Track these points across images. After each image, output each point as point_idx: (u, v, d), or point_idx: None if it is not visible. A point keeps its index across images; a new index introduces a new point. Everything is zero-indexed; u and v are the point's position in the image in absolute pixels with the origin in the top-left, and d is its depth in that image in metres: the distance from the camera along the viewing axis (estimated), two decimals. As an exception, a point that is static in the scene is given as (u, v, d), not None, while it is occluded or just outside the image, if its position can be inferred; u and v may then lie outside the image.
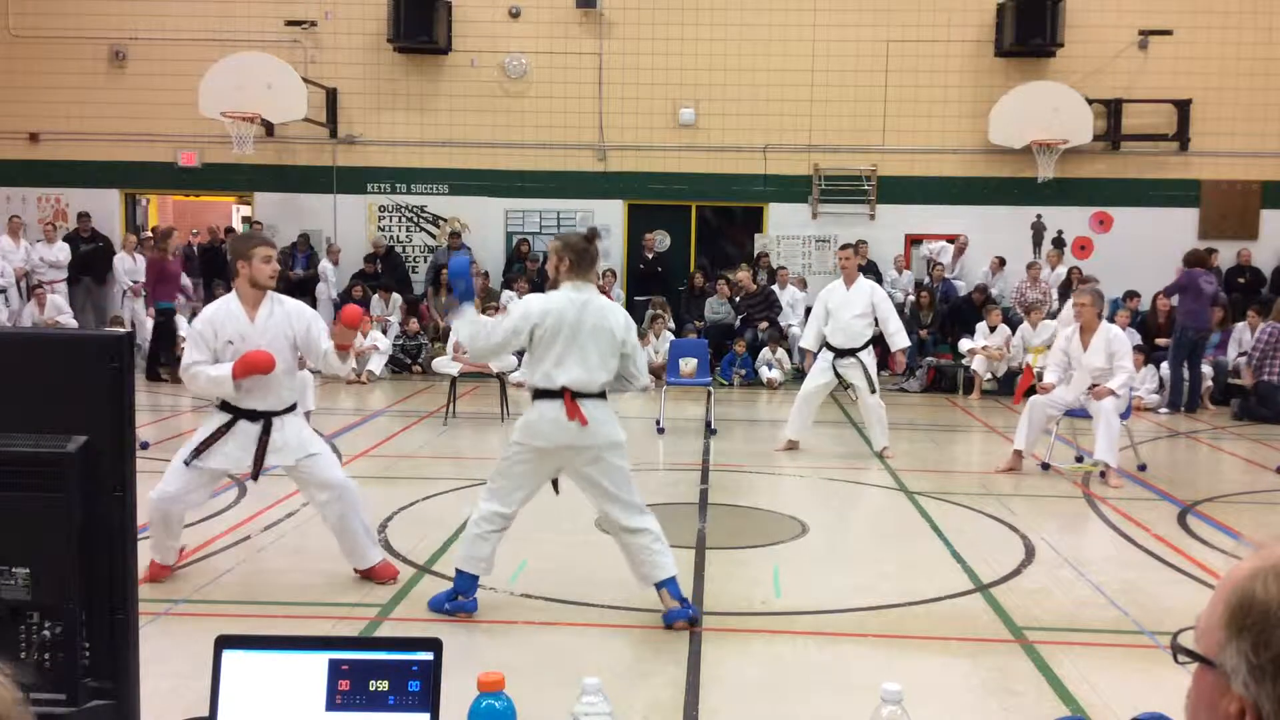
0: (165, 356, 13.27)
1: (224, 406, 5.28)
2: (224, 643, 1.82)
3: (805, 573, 5.88)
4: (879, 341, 9.58)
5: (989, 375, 13.72)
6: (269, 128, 15.52)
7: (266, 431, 5.26)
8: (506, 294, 14.93)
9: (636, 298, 15.74)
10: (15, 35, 16.10)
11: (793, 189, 16.14)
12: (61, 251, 15.15)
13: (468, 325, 4.84)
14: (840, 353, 9.17)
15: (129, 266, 15.24)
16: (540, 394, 4.80)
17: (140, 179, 16.55)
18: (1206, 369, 12.92)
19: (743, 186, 16.22)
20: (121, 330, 2.20)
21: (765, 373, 14.03)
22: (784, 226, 16.26)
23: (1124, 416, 8.60)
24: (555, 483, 5.05)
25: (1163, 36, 15.47)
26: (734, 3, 15.91)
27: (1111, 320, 9.25)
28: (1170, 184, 15.83)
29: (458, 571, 4.95)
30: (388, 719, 1.78)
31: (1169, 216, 15.74)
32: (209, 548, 5.97)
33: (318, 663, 1.80)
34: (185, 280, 14.48)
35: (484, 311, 11.96)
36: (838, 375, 9.22)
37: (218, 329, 5.23)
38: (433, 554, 5.92)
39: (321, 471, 5.33)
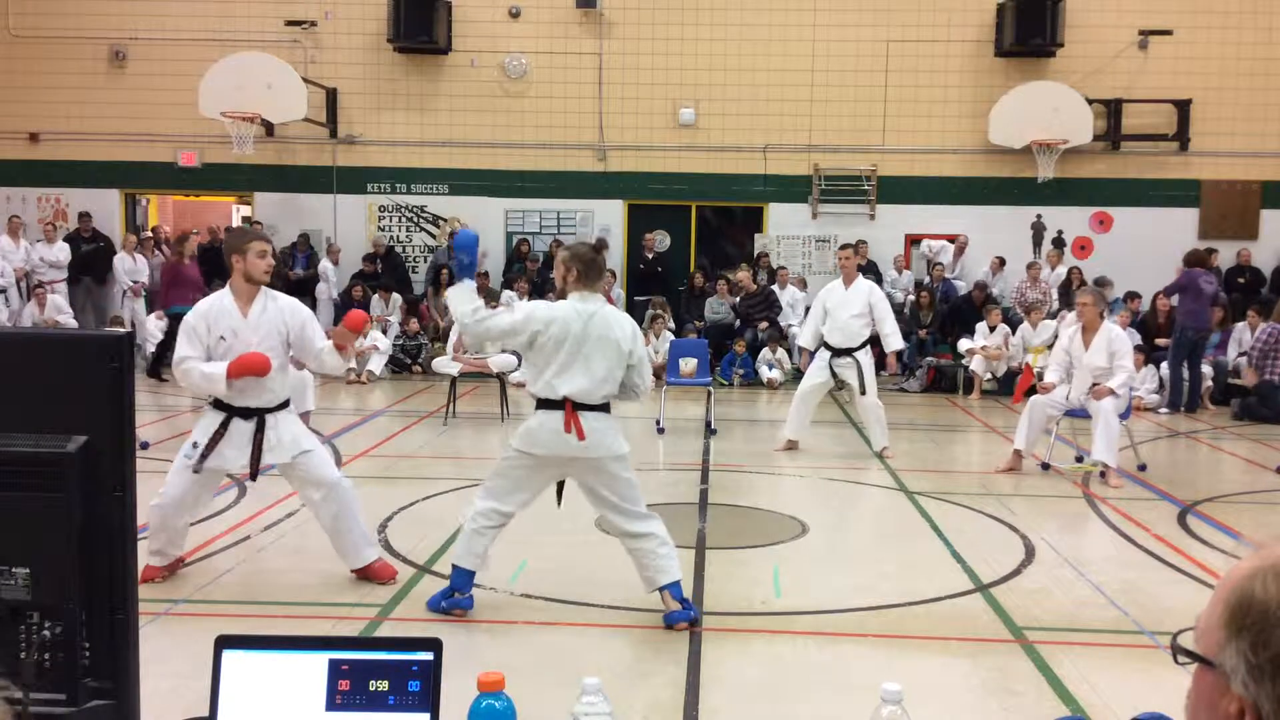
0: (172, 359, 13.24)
1: (218, 404, 5.28)
2: (224, 643, 1.82)
3: (805, 573, 5.88)
4: (877, 342, 9.58)
5: (989, 375, 13.72)
6: (269, 128, 15.52)
7: (260, 430, 5.26)
8: (507, 294, 14.93)
9: (636, 298, 15.74)
10: (15, 35, 16.10)
11: (793, 189, 16.14)
12: (61, 251, 15.15)
13: (466, 301, 4.78)
14: (837, 352, 9.18)
15: (129, 266, 15.25)
16: (542, 403, 4.79)
17: (140, 179, 16.55)
18: (1206, 369, 12.92)
19: (743, 186, 16.22)
20: (121, 330, 2.20)
21: (765, 373, 14.03)
22: (784, 226, 16.26)
23: (1124, 417, 8.60)
24: (560, 493, 5.04)
25: (1163, 36, 15.47)
26: (734, 3, 15.91)
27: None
28: (1170, 184, 15.83)
29: (454, 568, 4.95)
30: (388, 719, 1.79)
31: (1169, 216, 15.74)
32: (209, 548, 5.97)
33: (318, 663, 1.80)
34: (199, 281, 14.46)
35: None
36: (834, 375, 9.23)
37: (211, 324, 5.22)
38: (432, 554, 5.91)
39: (315, 469, 5.33)
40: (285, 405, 5.40)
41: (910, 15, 15.75)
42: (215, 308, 5.28)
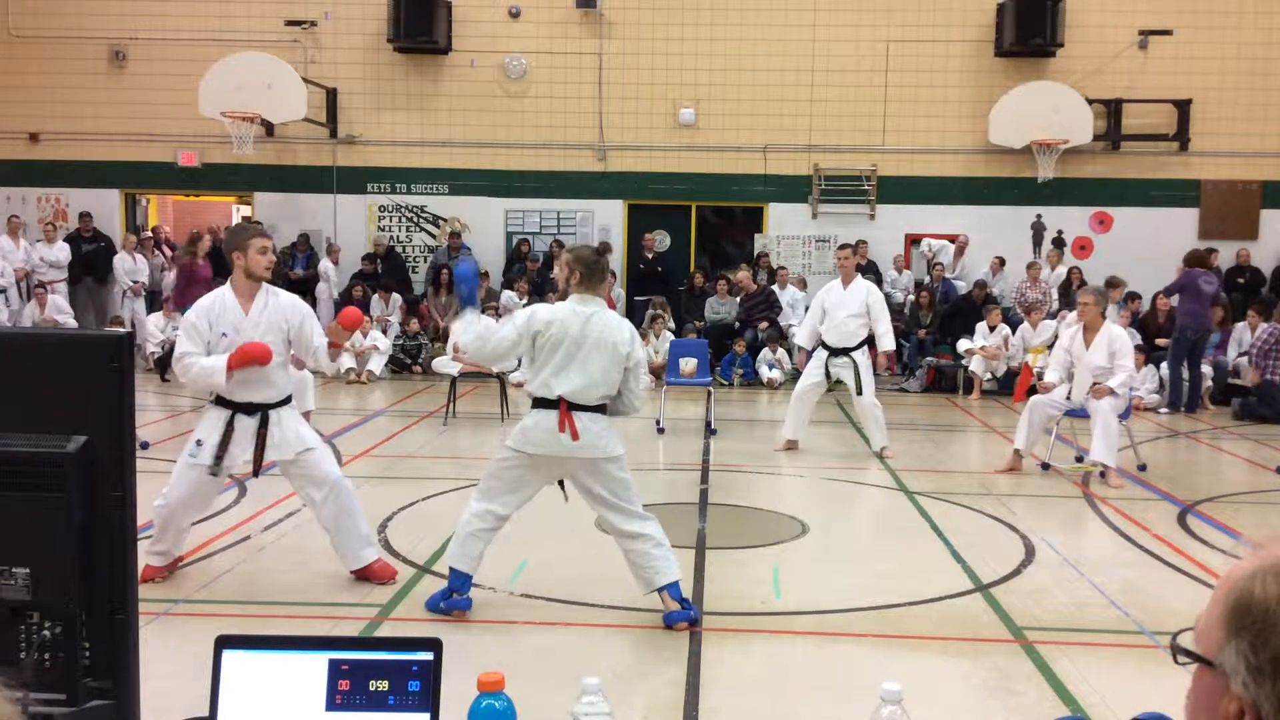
0: None
1: (220, 401, 5.28)
2: (224, 643, 1.82)
3: (805, 573, 5.88)
4: (875, 343, 9.59)
5: (989, 375, 13.72)
6: (269, 128, 15.52)
7: (264, 426, 5.26)
8: (507, 294, 14.94)
9: (636, 298, 15.74)
10: (15, 35, 16.10)
11: (793, 189, 16.15)
12: (61, 251, 15.15)
13: (474, 332, 4.85)
14: (834, 352, 9.20)
15: (129, 266, 15.26)
16: (538, 402, 4.81)
17: (140, 179, 16.55)
18: (1206, 369, 12.92)
19: (743, 186, 16.22)
20: (121, 330, 2.20)
21: (765, 373, 14.03)
22: (784, 226, 16.27)
23: (1124, 417, 8.60)
24: (563, 488, 5.05)
25: (1163, 36, 15.47)
26: (734, 3, 15.91)
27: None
28: (1170, 184, 15.83)
29: (451, 570, 4.96)
30: (388, 719, 1.79)
31: (1169, 216, 15.74)
32: (209, 548, 5.97)
33: (318, 663, 1.80)
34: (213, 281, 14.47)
35: (483, 311, 11.99)
36: (827, 375, 9.24)
37: (212, 321, 5.22)
38: (432, 554, 5.91)
39: (317, 467, 5.33)
40: (288, 401, 5.41)
41: (910, 15, 15.75)
42: (217, 304, 5.28)
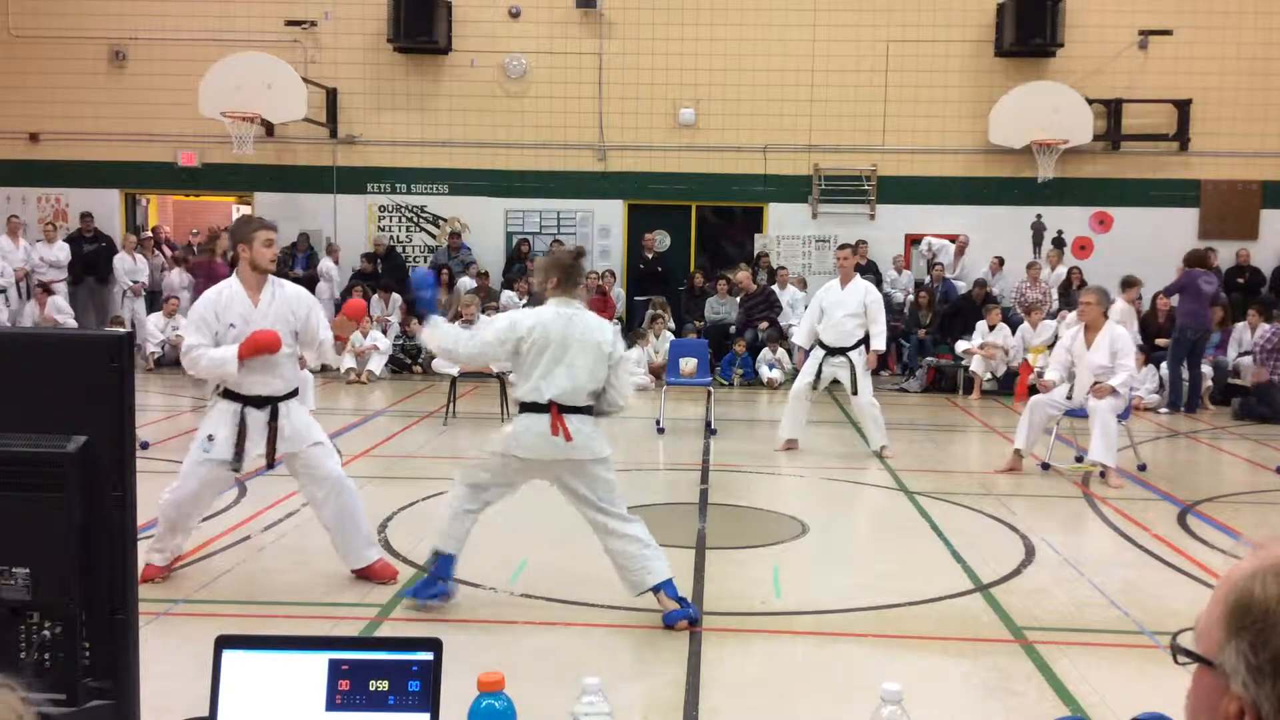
0: None
1: (229, 395, 5.28)
2: (224, 643, 1.82)
3: (805, 573, 5.88)
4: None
5: (989, 375, 13.72)
6: (269, 128, 15.52)
7: (274, 419, 5.27)
8: (507, 294, 14.94)
9: (636, 298, 15.74)
10: (15, 35, 16.10)
11: (793, 189, 16.15)
12: (61, 251, 15.16)
13: (439, 337, 4.92)
14: (831, 350, 9.20)
15: (129, 266, 15.26)
16: (527, 407, 4.81)
17: (140, 179, 16.55)
18: (1206, 369, 12.92)
19: (743, 186, 16.22)
20: (121, 330, 2.20)
21: (765, 373, 14.03)
22: (784, 226, 16.27)
23: (1123, 417, 8.59)
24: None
25: (1163, 36, 15.47)
26: (734, 3, 15.91)
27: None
28: (1170, 184, 15.83)
29: (437, 554, 4.98)
30: (388, 719, 1.79)
31: (1169, 216, 15.74)
32: (209, 548, 5.97)
33: (318, 663, 1.80)
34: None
35: (484, 311, 11.99)
36: (818, 375, 9.23)
37: (220, 312, 5.23)
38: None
39: (321, 465, 5.34)
40: (295, 394, 5.41)
41: (910, 15, 15.75)
42: (224, 296, 5.29)
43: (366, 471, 8.03)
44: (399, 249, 16.28)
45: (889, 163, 16.04)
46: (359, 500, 5.43)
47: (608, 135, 16.17)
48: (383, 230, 16.35)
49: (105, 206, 16.23)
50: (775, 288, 15.13)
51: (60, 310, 14.51)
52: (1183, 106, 15.63)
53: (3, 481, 1.76)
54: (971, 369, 13.59)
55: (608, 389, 4.90)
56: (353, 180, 16.30)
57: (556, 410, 4.74)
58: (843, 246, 10.00)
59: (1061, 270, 15.30)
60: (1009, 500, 7.59)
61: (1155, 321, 13.86)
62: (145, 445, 8.34)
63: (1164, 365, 12.82)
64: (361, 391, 13.05)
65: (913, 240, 16.15)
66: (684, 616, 4.83)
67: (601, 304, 14.79)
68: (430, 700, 1.79)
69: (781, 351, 14.17)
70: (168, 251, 16.24)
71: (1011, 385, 13.24)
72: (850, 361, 9.14)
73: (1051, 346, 10.41)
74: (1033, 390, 9.08)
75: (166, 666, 3.79)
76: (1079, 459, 8.76)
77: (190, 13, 15.93)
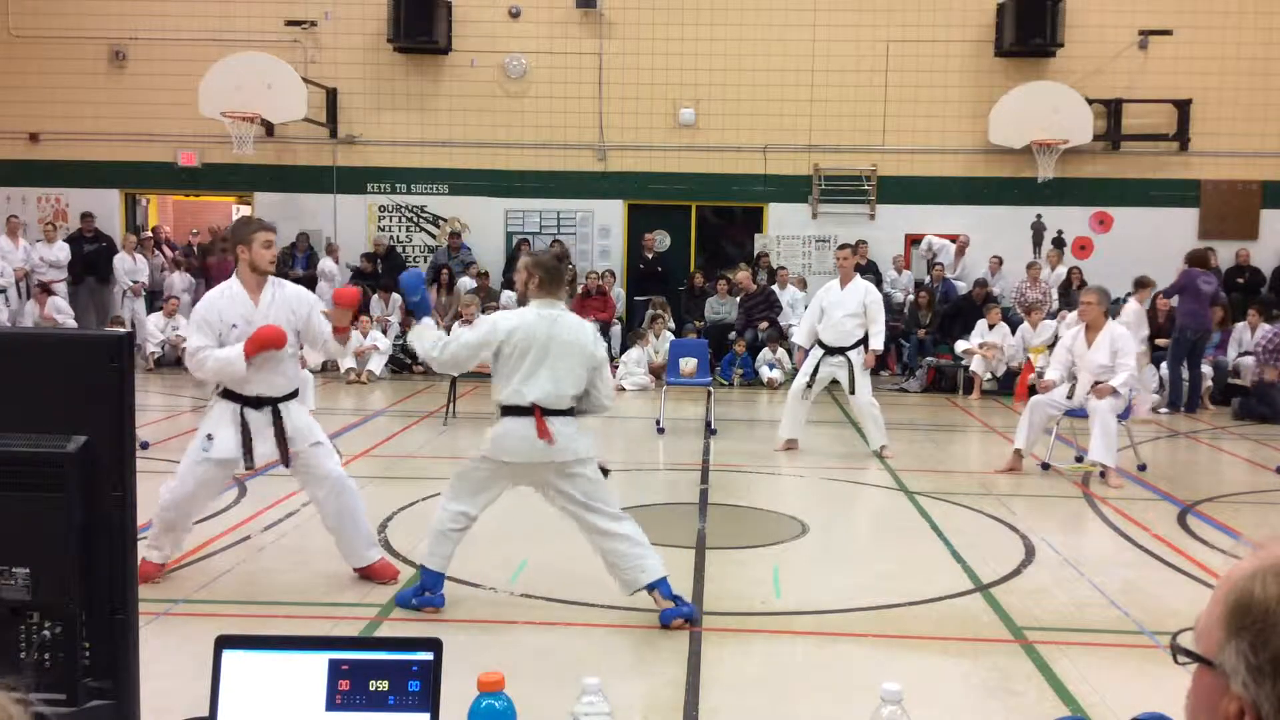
0: None
1: (228, 395, 5.27)
2: (224, 643, 1.82)
3: (805, 573, 5.88)
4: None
5: (989, 375, 13.72)
6: (269, 128, 15.52)
7: (276, 419, 5.27)
8: (507, 294, 14.93)
9: (636, 298, 15.74)
10: (15, 35, 16.10)
11: (793, 189, 16.14)
12: (61, 251, 15.16)
13: (426, 340, 4.90)
14: (830, 350, 9.21)
15: (129, 266, 15.26)
16: (509, 410, 4.79)
17: (140, 179, 16.55)
18: (1206, 369, 12.92)
19: (743, 186, 16.22)
20: (121, 330, 2.20)
21: (765, 373, 14.03)
22: (784, 226, 16.26)
23: (1123, 417, 8.59)
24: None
25: (1163, 36, 15.47)
26: (734, 3, 15.90)
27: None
28: (1170, 184, 15.83)
29: (424, 569, 5.00)
30: (388, 719, 1.79)
31: (1169, 216, 15.74)
32: (209, 548, 5.97)
33: (318, 663, 1.80)
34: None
35: (484, 311, 12.00)
36: (814, 375, 9.23)
37: (222, 313, 5.23)
38: (433, 554, 5.90)
39: (321, 464, 5.34)
40: (295, 394, 5.42)
41: (910, 15, 15.75)
42: (225, 297, 5.30)
43: (366, 471, 8.03)
44: (399, 249, 16.28)
45: (889, 163, 16.04)
46: (360, 500, 5.43)
47: (608, 135, 16.17)
48: (383, 230, 16.35)
49: (105, 206, 16.23)
50: (775, 288, 15.12)
51: (60, 310, 14.51)
52: (1183, 106, 15.63)
53: (3, 481, 1.76)
54: (971, 369, 13.59)
55: (591, 390, 4.90)
56: (353, 180, 16.30)
57: (539, 413, 4.73)
58: (843, 246, 10.01)
59: (1061, 270, 15.30)
60: (1009, 500, 7.59)
61: (1155, 321, 13.86)
62: (145, 445, 8.34)
63: (1164, 365, 12.82)
64: (361, 391, 13.05)
65: (913, 240, 16.14)
66: (680, 615, 4.82)
67: (602, 304, 14.81)
68: (430, 700, 1.79)
69: (781, 351, 14.17)
70: (168, 252, 16.24)
71: (1011, 385, 13.24)
72: (848, 361, 9.15)
73: (1051, 346, 10.41)
74: (1033, 390, 9.07)
75: (166, 666, 3.79)
76: (1079, 459, 8.76)
77: (190, 13, 15.93)
